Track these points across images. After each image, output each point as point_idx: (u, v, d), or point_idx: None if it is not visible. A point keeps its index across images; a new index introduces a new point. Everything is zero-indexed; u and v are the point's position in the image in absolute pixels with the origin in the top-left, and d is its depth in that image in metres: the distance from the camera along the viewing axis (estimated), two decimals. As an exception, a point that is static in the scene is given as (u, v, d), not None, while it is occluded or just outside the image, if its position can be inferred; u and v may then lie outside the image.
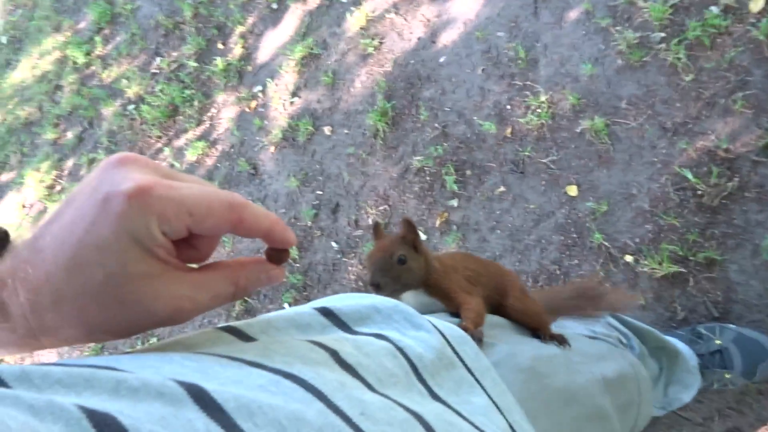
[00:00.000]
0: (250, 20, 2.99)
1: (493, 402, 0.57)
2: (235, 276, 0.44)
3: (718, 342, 1.45)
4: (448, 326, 0.63)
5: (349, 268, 2.34)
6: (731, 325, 1.50)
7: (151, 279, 0.39)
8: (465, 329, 0.66)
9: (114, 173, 0.39)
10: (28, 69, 4.15)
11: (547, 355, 0.80)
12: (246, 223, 0.42)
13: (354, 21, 2.58)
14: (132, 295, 0.38)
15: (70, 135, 3.66)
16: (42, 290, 0.38)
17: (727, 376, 1.43)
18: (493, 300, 0.94)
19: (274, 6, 2.91)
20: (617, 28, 1.95)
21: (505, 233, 2.00)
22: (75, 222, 0.38)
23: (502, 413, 0.56)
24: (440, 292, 0.84)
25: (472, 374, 0.58)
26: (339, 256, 2.38)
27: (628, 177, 1.82)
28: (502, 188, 2.04)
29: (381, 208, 2.30)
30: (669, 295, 1.67)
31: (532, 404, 0.68)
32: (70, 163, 3.61)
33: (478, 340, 0.68)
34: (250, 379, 0.40)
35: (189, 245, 0.44)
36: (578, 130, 1.94)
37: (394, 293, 0.81)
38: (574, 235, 1.87)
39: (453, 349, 0.59)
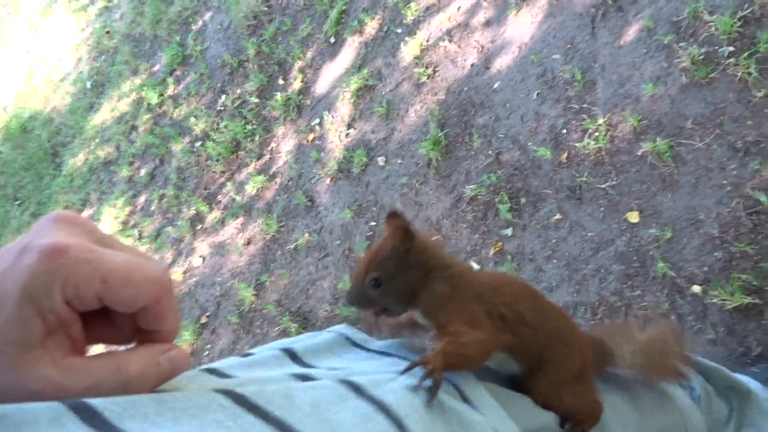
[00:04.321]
0: (309, 55, 3.04)
1: None
2: (124, 362, 0.38)
3: (799, 382, 1.28)
4: None
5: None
6: (816, 364, 1.33)
7: (24, 348, 0.35)
8: (424, 363, 0.53)
9: (44, 228, 0.38)
10: (108, 111, 4.39)
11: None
12: (162, 306, 0.39)
13: (408, 50, 2.57)
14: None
15: (143, 172, 3.82)
16: None
17: (812, 421, 1.26)
18: (530, 364, 0.70)
19: (332, 40, 2.96)
20: (681, 44, 1.83)
21: (561, 263, 1.89)
22: None
23: None
24: (434, 322, 0.66)
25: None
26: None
27: (695, 201, 1.68)
28: (558, 216, 1.94)
29: (434, 238, 2.24)
30: (742, 329, 1.51)
31: None
32: (142, 199, 3.76)
33: (434, 385, 0.51)
34: None
35: (111, 323, 0.40)
36: (639, 153, 1.82)
37: (385, 314, 0.68)
38: (637, 264, 1.74)
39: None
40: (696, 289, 1.61)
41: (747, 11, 1.72)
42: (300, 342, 0.60)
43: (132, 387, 0.37)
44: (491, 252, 2.06)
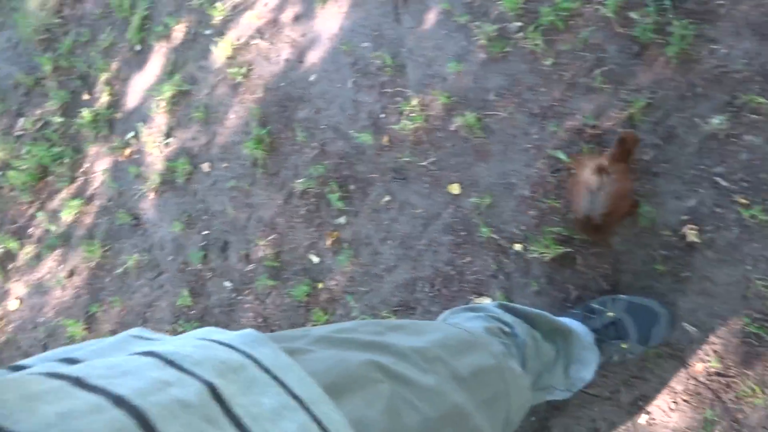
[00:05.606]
0: (115, 66, 2.85)
1: (296, 397, 0.50)
2: None
3: (610, 314, 1.42)
4: (235, 335, 0.58)
5: (246, 306, 2.20)
6: (622, 296, 1.48)
7: None
8: None
9: None
10: None
11: (387, 360, 0.71)
12: None
13: (220, 52, 2.49)
14: None
15: (-66, 214, 3.35)
16: None
17: (624, 346, 1.40)
18: None
19: (138, 48, 2.79)
20: (476, 23, 1.95)
21: (396, 242, 1.94)
22: None
23: (306, 407, 0.49)
24: None
25: (270, 373, 0.51)
26: (234, 295, 2.25)
27: (506, 167, 1.80)
28: (387, 198, 1.98)
29: (270, 238, 2.19)
30: (560, 277, 1.64)
31: (370, 412, 0.61)
32: (-63, 244, 3.29)
33: None
34: None
35: None
36: (452, 128, 1.91)
37: None
38: (464, 233, 1.82)
39: (244, 353, 0.52)
40: (517, 247, 1.73)
41: (524, -12, 1.87)
42: (82, 350, 0.53)
43: None
44: (329, 242, 2.06)
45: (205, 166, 2.43)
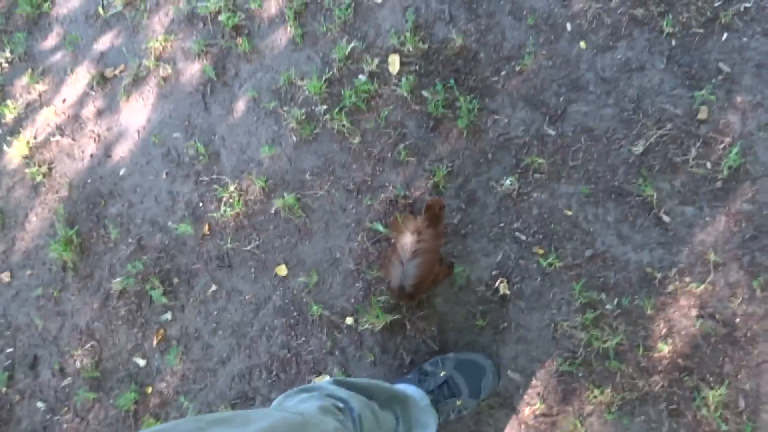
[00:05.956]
0: None
1: None
2: None
3: (442, 374, 1.48)
4: None
5: (65, 426, 1.98)
6: (450, 354, 1.55)
7: None
8: None
9: None
10: None
11: None
12: None
13: (14, 151, 2.31)
14: None
15: None
16: None
17: (459, 402, 1.46)
18: None
19: None
20: (284, 108, 2.01)
21: (227, 332, 1.87)
22: None
23: None
24: None
25: None
26: (49, 416, 2.01)
27: (329, 243, 1.84)
28: (213, 287, 1.92)
29: (88, 346, 2.01)
30: (393, 345, 1.68)
31: None
32: None
33: None
34: None
35: None
36: (273, 211, 1.92)
37: None
38: (295, 314, 1.81)
39: None
40: (349, 321, 1.75)
41: (329, 74, 1.98)
42: None
43: None
44: (155, 342, 1.94)
45: (5, 276, 2.19)
